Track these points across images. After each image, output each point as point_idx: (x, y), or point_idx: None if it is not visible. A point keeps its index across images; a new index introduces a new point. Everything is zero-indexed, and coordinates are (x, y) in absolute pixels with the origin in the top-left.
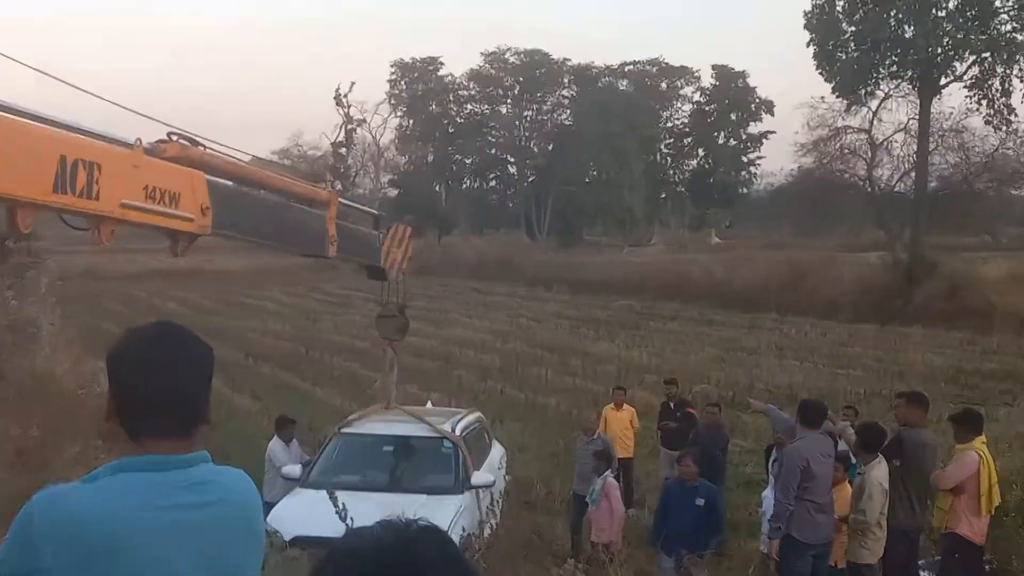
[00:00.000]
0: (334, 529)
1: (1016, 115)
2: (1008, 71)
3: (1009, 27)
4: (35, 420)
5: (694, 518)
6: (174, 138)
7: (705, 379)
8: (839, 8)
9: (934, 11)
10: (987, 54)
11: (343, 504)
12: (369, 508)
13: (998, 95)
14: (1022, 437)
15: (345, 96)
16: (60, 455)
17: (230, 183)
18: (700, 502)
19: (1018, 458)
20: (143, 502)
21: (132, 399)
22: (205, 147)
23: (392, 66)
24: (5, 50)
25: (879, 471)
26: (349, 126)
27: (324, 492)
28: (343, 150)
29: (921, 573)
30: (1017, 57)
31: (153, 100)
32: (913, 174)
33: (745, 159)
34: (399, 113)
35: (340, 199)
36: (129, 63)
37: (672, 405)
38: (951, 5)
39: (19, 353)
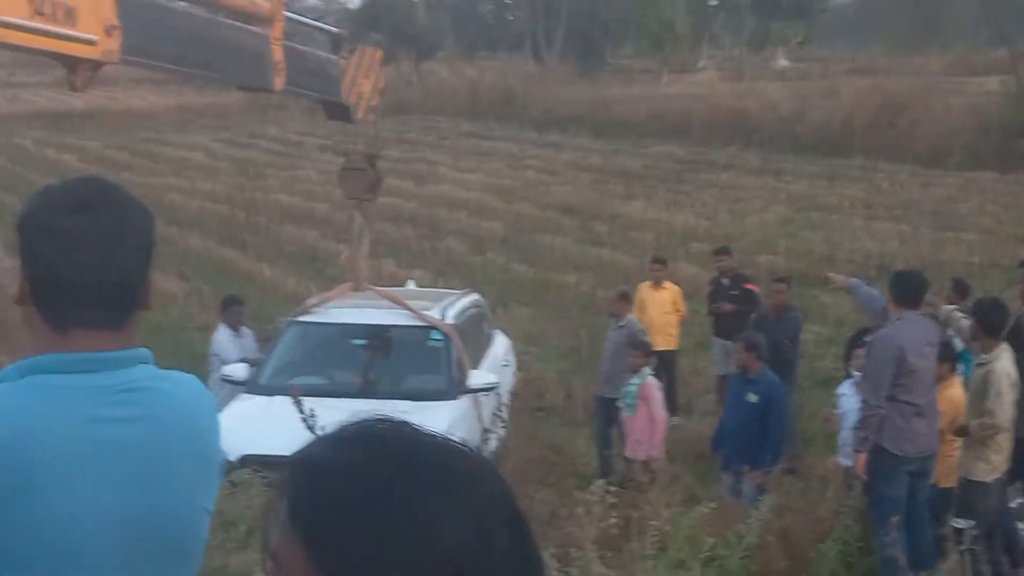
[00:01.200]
0: (296, 445)
1: None
2: None
3: None
4: None
5: (748, 420)
6: None
7: (771, 248)
8: None
9: None
10: None
11: (311, 411)
12: (337, 419)
13: None
14: None
15: None
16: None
17: None
18: (754, 398)
19: None
20: (58, 414)
21: (54, 280)
22: None
23: None
24: None
25: (1005, 361)
26: None
27: (278, 398)
28: None
29: None
30: None
31: None
32: None
33: None
34: None
35: (287, 13)
36: None
37: (727, 282)
38: None
39: None
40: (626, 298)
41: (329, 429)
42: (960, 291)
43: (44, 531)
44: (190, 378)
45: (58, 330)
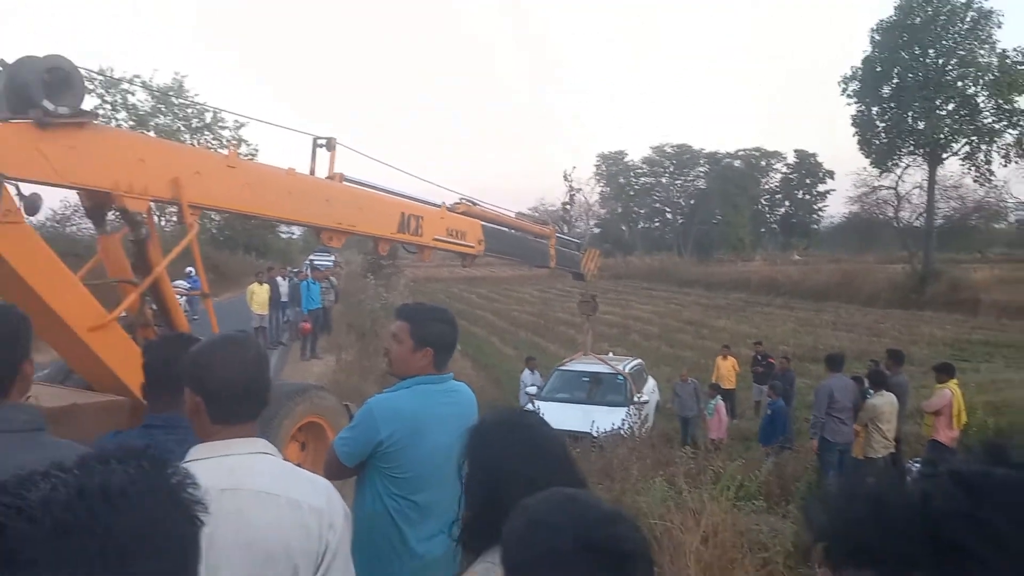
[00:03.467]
0: (574, 424)
1: (995, 176)
2: (989, 148)
3: (989, 120)
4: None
5: (767, 423)
6: (463, 201)
7: (783, 341)
8: (874, 111)
9: (937, 111)
10: (974, 138)
11: (542, 410)
12: (576, 412)
13: (982, 163)
14: (996, 382)
15: (569, 174)
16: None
17: (494, 225)
18: (769, 412)
19: (989, 394)
20: (431, 399)
21: (440, 346)
22: (480, 205)
23: (597, 157)
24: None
25: (879, 398)
26: (572, 192)
27: (553, 403)
28: (568, 207)
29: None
30: (994, 140)
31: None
32: (925, 215)
33: (815, 207)
34: (601, 184)
35: (557, 234)
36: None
37: (760, 356)
38: (950, 107)
39: (386, 321)
40: (685, 373)
41: (570, 419)
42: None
43: (424, 456)
44: (466, 386)
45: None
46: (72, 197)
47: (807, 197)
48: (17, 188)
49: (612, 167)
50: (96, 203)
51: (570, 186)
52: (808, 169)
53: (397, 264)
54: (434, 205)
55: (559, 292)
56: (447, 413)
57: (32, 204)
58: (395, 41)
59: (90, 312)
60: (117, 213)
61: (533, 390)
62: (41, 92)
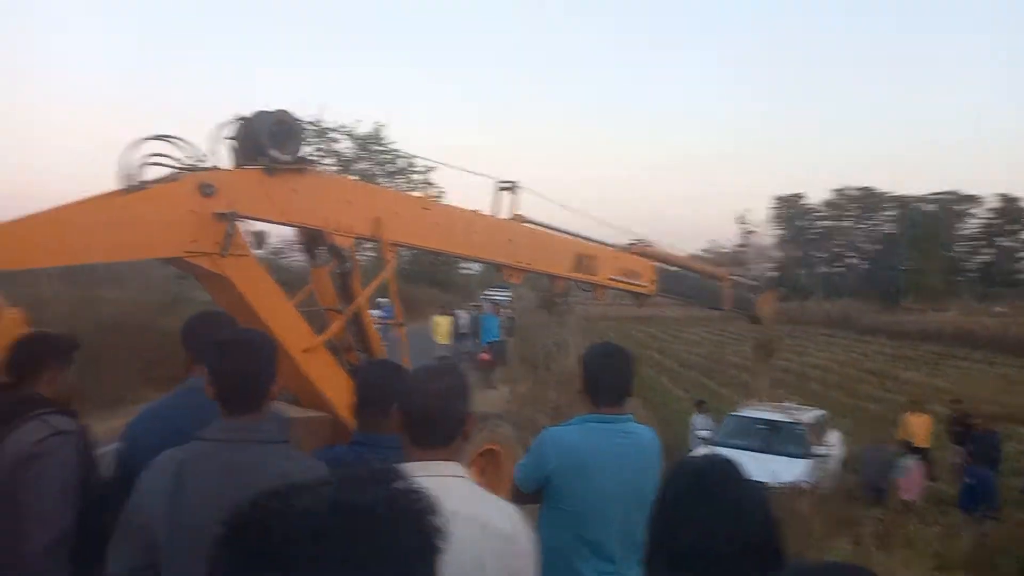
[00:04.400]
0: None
1: None
2: None
3: None
4: (561, 390)
5: (968, 491)
6: (638, 242)
7: (987, 401)
8: None
9: None
10: None
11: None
12: (750, 462)
13: None
14: None
15: (743, 217)
16: (572, 409)
17: (668, 266)
18: (972, 481)
19: None
20: (601, 438)
21: (596, 384)
22: (654, 246)
23: (775, 199)
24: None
25: None
26: (746, 234)
27: (727, 448)
28: (743, 248)
29: None
30: None
31: (627, 210)
32: None
33: (1020, 256)
34: (777, 227)
35: (731, 275)
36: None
37: (958, 416)
38: None
39: (558, 356)
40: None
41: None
42: None
43: (588, 493)
44: (649, 428)
45: (595, 405)
46: (286, 233)
47: (1011, 244)
48: (247, 225)
49: (789, 210)
50: (310, 239)
51: (744, 227)
52: (1012, 214)
53: (569, 302)
54: (609, 245)
55: (732, 335)
56: (618, 452)
57: (260, 239)
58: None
59: (303, 335)
60: (327, 248)
61: (706, 434)
62: (269, 142)
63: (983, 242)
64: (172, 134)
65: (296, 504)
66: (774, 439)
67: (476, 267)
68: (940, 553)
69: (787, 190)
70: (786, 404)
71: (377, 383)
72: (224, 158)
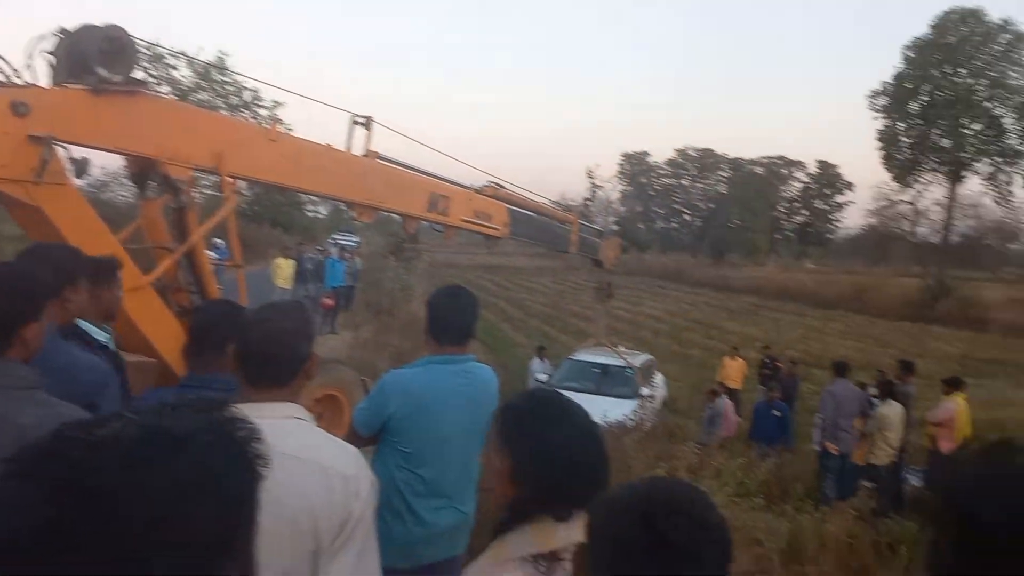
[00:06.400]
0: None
1: (1014, 197)
2: (1011, 170)
3: (1015, 141)
4: (405, 335)
5: (774, 424)
6: (492, 184)
7: (789, 346)
8: (900, 127)
9: (963, 130)
10: (998, 159)
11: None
12: (583, 402)
13: (1004, 184)
14: (999, 400)
15: (592, 172)
16: (415, 355)
17: (519, 208)
18: (777, 413)
19: (991, 411)
20: (444, 378)
21: (440, 324)
22: (507, 188)
23: (621, 156)
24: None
25: (887, 407)
26: (594, 189)
27: (564, 392)
28: (589, 202)
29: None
30: (1018, 161)
31: (478, 152)
32: (941, 231)
33: (833, 217)
34: (623, 182)
35: (579, 221)
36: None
37: (768, 360)
38: (976, 127)
39: (403, 301)
40: (715, 392)
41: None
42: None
43: (428, 432)
44: (488, 367)
45: (439, 344)
46: (112, 165)
47: (825, 207)
48: (67, 151)
49: (635, 167)
50: (141, 169)
51: (592, 182)
52: (828, 180)
53: (418, 248)
54: (462, 186)
55: (574, 284)
56: (458, 392)
57: (81, 167)
58: (434, 23)
59: (128, 274)
60: (160, 179)
61: (544, 377)
62: (98, 60)
63: (800, 204)
64: None
65: (100, 432)
66: (605, 381)
67: (323, 209)
68: (743, 482)
69: (633, 148)
70: (619, 348)
71: (214, 322)
72: (42, 76)
